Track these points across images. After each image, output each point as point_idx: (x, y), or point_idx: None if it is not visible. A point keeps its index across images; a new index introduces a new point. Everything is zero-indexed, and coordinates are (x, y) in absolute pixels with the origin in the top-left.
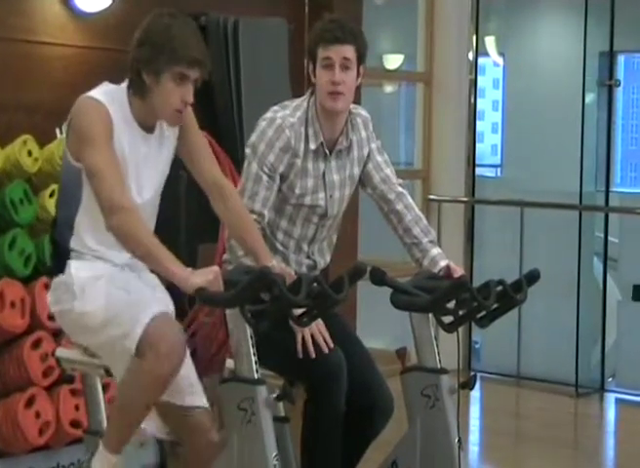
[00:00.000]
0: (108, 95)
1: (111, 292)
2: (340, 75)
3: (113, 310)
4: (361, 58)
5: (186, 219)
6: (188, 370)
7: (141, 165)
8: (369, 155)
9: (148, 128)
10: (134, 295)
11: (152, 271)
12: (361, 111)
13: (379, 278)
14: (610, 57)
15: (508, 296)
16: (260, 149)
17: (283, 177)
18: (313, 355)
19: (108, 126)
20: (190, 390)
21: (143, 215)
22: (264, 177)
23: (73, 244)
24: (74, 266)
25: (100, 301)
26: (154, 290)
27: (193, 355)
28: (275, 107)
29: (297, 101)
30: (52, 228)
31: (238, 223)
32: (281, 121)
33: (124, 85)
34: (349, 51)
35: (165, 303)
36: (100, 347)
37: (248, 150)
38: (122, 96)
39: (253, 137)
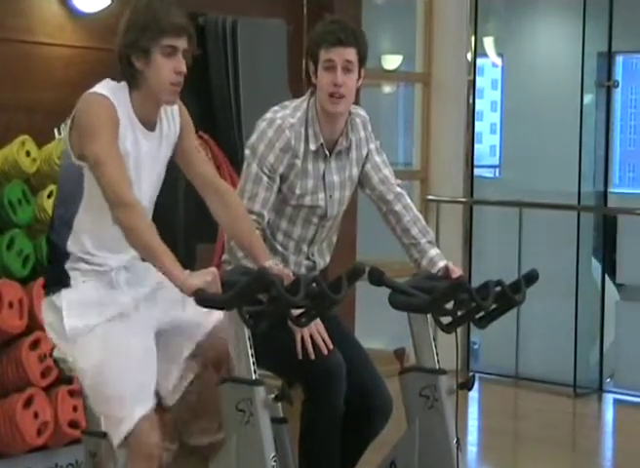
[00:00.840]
0: (112, 90)
1: (104, 356)
2: (342, 77)
3: (103, 387)
4: (362, 61)
5: (185, 220)
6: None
7: (142, 162)
8: (367, 156)
9: (150, 125)
10: (128, 377)
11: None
12: (360, 111)
13: (377, 278)
14: (608, 57)
15: (507, 297)
16: (259, 150)
17: (283, 178)
18: (312, 356)
19: (114, 120)
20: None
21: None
22: (264, 178)
23: (70, 245)
24: (66, 299)
25: (93, 361)
26: (147, 334)
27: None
28: (275, 108)
29: (296, 102)
30: (49, 229)
31: (235, 224)
32: (281, 121)
33: (123, 83)
34: (351, 53)
35: (151, 395)
36: (90, 397)
37: (247, 151)
38: (124, 92)
39: (252, 138)
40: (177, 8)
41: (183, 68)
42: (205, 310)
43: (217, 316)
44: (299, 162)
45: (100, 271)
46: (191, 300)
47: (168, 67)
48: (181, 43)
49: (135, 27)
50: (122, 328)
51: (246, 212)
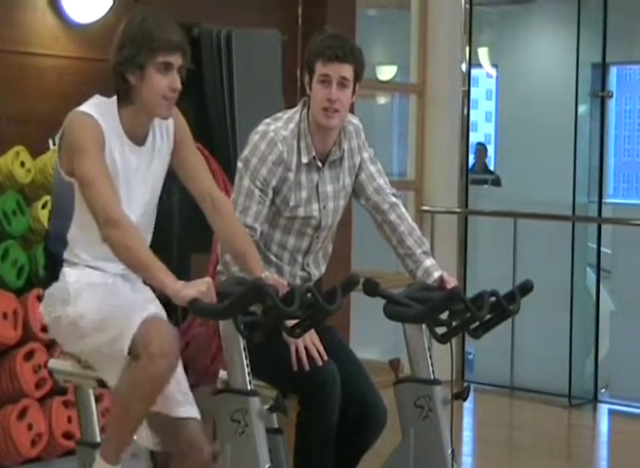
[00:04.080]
0: (99, 108)
1: (105, 296)
2: (337, 93)
3: (105, 313)
4: (358, 78)
5: (179, 230)
6: (180, 379)
7: (132, 178)
8: (361, 164)
9: (139, 140)
10: (127, 299)
11: (145, 283)
12: (353, 119)
13: (372, 289)
14: (602, 68)
15: (502, 307)
16: (252, 163)
17: (276, 191)
18: (307, 367)
19: (100, 139)
20: (182, 400)
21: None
22: (256, 192)
23: (67, 255)
24: (69, 274)
25: (93, 304)
26: (147, 298)
27: (186, 366)
28: (267, 120)
29: (289, 113)
30: (45, 239)
31: (232, 236)
32: (273, 134)
33: (114, 98)
34: (348, 70)
35: (157, 306)
36: (93, 353)
37: (240, 164)
38: (112, 108)
39: (245, 151)
40: (171, 24)
41: (178, 85)
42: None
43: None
44: (291, 175)
45: (99, 272)
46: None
47: (162, 84)
48: (176, 59)
49: (130, 44)
50: (120, 283)
51: (242, 224)
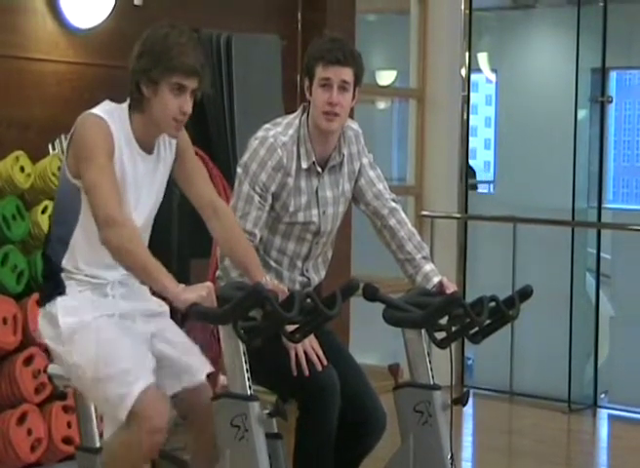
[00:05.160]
0: (110, 113)
1: (101, 346)
2: (338, 97)
3: (104, 371)
4: (358, 82)
5: (179, 235)
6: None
7: (139, 184)
8: (360, 170)
9: (147, 148)
10: (125, 356)
11: (143, 283)
12: (352, 124)
13: (371, 294)
14: (602, 73)
15: (501, 313)
16: (251, 169)
17: (275, 196)
18: (307, 373)
19: (110, 143)
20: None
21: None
22: (256, 197)
23: (65, 262)
24: (60, 305)
25: (90, 354)
26: (143, 339)
27: None
28: (267, 126)
29: (288, 118)
30: (44, 245)
31: (232, 242)
32: (273, 140)
33: (125, 104)
34: (348, 73)
35: (152, 367)
36: (90, 397)
37: (239, 170)
38: (123, 114)
39: (245, 157)
40: (194, 45)
41: (189, 109)
42: (198, 356)
43: (207, 367)
44: (291, 180)
45: (96, 283)
46: (184, 344)
47: (174, 105)
48: (191, 83)
49: (147, 55)
50: (116, 324)
51: (242, 231)
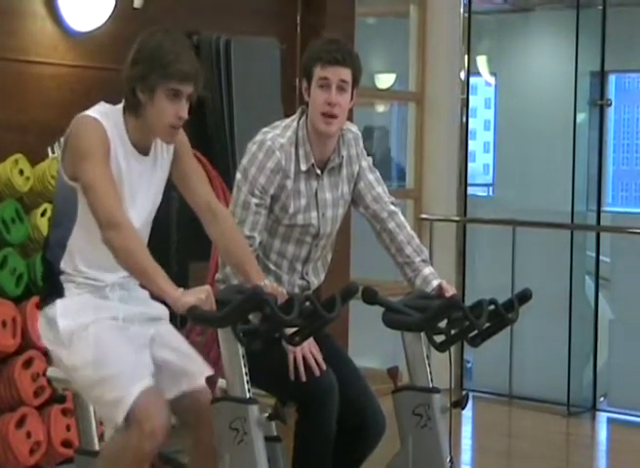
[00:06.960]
0: (105, 114)
1: (99, 348)
2: (337, 97)
3: (102, 373)
4: (356, 82)
5: (178, 238)
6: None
7: (136, 186)
8: (359, 173)
9: (143, 150)
10: (122, 359)
11: (143, 287)
12: (351, 127)
13: (371, 297)
14: (601, 76)
15: (500, 316)
16: (250, 173)
17: (274, 199)
18: (304, 378)
19: (105, 143)
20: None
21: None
22: (254, 202)
23: (64, 265)
24: (59, 308)
25: (88, 357)
26: (142, 342)
27: None
28: (265, 129)
29: (286, 121)
30: (44, 248)
31: (230, 245)
32: (271, 143)
33: (120, 106)
34: (347, 73)
35: (151, 370)
36: (88, 400)
37: (239, 175)
38: (118, 116)
39: (244, 161)
40: (187, 51)
41: (185, 114)
42: (197, 360)
43: (206, 371)
44: (290, 182)
45: (95, 285)
46: (184, 348)
47: (170, 110)
48: (186, 88)
49: (143, 63)
50: (115, 327)
51: (241, 234)
